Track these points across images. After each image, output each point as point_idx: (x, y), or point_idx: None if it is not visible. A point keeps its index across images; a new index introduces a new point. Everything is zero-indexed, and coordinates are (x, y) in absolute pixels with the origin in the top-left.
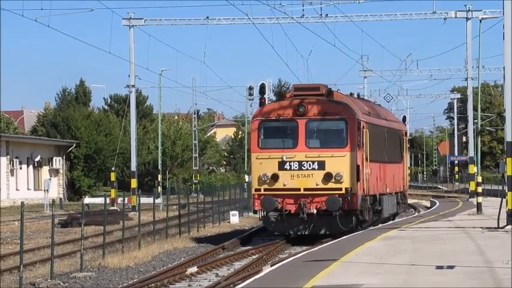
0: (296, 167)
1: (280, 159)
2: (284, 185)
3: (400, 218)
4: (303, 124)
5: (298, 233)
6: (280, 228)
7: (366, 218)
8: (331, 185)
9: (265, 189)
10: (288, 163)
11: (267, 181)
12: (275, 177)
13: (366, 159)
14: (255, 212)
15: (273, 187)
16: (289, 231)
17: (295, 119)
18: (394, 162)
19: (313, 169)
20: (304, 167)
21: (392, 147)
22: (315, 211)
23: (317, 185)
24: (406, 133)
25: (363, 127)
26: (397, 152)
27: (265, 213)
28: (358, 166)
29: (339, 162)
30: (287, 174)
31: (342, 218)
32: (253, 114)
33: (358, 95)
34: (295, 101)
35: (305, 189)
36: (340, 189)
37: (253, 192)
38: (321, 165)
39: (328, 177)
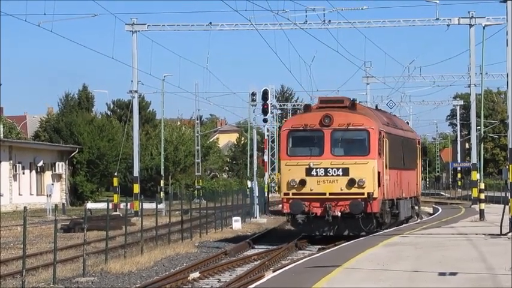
0: (322, 173)
1: (308, 166)
2: (311, 190)
3: (402, 225)
4: (329, 134)
5: (324, 234)
6: (307, 230)
7: (385, 220)
8: (354, 190)
9: (293, 194)
10: (314, 169)
11: (295, 186)
12: (303, 183)
13: (386, 166)
14: (283, 214)
15: (301, 191)
16: (315, 232)
17: (321, 129)
18: (409, 169)
19: (338, 175)
20: (330, 173)
21: (407, 155)
22: (339, 214)
23: (341, 190)
24: (419, 142)
25: (383, 136)
26: (412, 160)
27: (292, 215)
28: (379, 173)
29: (361, 169)
30: (314, 180)
31: (364, 221)
32: (282, 124)
33: (376, 106)
34: (321, 112)
35: (330, 194)
36: (363, 193)
37: (282, 196)
38: (345, 171)
39: (351, 182)
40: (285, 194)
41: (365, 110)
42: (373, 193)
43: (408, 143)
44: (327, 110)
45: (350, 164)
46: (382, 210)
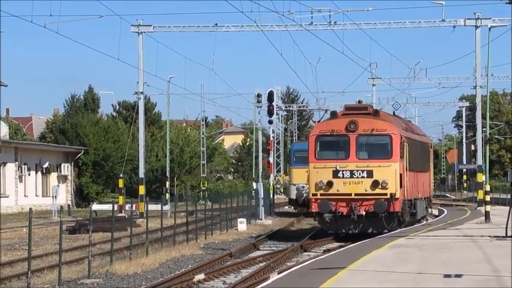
0: (348, 175)
1: (335, 169)
2: (338, 191)
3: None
4: (354, 138)
5: (350, 232)
6: (333, 228)
7: (405, 219)
8: (378, 190)
9: (321, 194)
10: (341, 172)
11: (323, 187)
12: (330, 184)
13: (406, 168)
14: (311, 214)
15: (328, 192)
16: (341, 230)
17: (347, 134)
18: (424, 171)
19: (363, 177)
20: (355, 175)
21: (422, 158)
22: (364, 213)
23: (366, 190)
24: (431, 145)
25: (404, 141)
26: (426, 162)
27: (320, 214)
28: (400, 175)
29: (384, 171)
30: (340, 182)
31: (387, 219)
32: (311, 129)
33: (394, 113)
34: (347, 118)
35: (356, 194)
36: (386, 194)
37: (310, 196)
38: (370, 173)
39: (375, 184)
40: (313, 195)
41: (387, 117)
42: (395, 194)
43: (423, 146)
44: (352, 117)
45: (374, 167)
46: (403, 209)
